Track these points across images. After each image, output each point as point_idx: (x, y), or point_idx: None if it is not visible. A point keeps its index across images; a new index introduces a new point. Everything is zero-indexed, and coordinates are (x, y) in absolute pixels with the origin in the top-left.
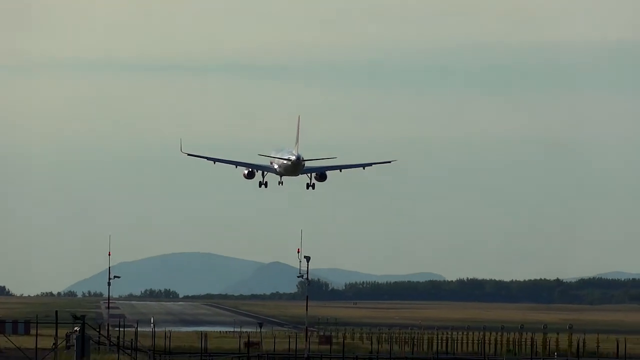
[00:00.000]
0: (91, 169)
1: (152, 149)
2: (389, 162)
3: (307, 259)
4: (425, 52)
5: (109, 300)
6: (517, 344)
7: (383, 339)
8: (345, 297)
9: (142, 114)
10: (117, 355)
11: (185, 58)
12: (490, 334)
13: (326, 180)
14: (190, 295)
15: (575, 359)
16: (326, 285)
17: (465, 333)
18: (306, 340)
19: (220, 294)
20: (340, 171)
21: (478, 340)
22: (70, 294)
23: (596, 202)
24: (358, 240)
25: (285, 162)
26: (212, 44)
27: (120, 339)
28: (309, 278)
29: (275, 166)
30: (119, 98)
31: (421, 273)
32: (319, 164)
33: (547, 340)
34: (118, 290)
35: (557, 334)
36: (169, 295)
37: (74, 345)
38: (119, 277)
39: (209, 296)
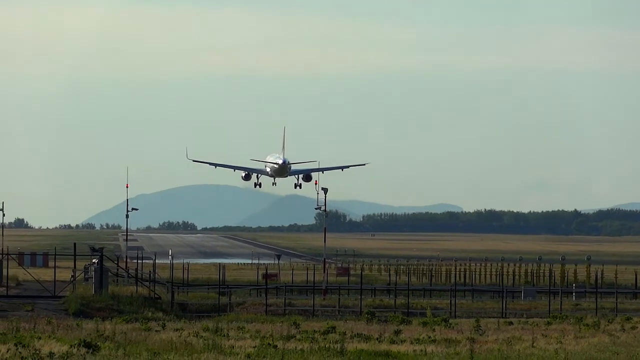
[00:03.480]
0: (110, 101)
1: (169, 83)
2: (364, 164)
3: (325, 190)
4: None
5: (127, 232)
6: (535, 275)
7: (401, 271)
8: (363, 229)
9: (165, 47)
10: (135, 287)
11: None
12: (509, 265)
13: (311, 181)
14: (208, 227)
15: (593, 290)
16: (344, 216)
17: (483, 264)
18: (324, 271)
19: (238, 226)
20: (323, 172)
21: (496, 272)
22: (89, 226)
23: (615, 133)
24: (376, 171)
25: (274, 165)
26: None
27: (139, 271)
28: (327, 210)
29: (267, 169)
30: (138, 33)
31: (439, 204)
32: (304, 167)
33: (565, 272)
34: (136, 222)
35: (575, 265)
36: (187, 227)
37: (92, 278)
38: (137, 209)
39: (227, 228)
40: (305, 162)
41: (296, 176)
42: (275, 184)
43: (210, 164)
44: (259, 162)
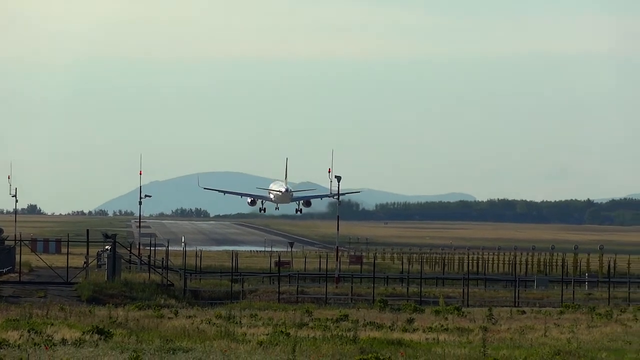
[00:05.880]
0: (124, 88)
1: (183, 69)
2: (358, 191)
3: (338, 178)
4: None
5: (140, 219)
6: (548, 264)
7: (414, 259)
8: (376, 217)
9: (178, 35)
10: (147, 274)
11: None
12: (521, 254)
13: (311, 206)
14: (221, 214)
15: (605, 280)
16: (357, 205)
17: (496, 253)
18: (337, 259)
19: (251, 213)
20: (321, 199)
21: (509, 261)
22: (102, 212)
23: (629, 123)
24: (389, 160)
25: (278, 193)
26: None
27: (151, 258)
28: (340, 198)
29: (271, 196)
30: (156, 20)
31: (452, 193)
32: (304, 194)
33: (578, 261)
34: (149, 209)
35: (588, 254)
36: (200, 214)
37: (105, 264)
38: (150, 196)
39: (239, 215)
40: (305, 190)
41: (297, 202)
42: (278, 209)
43: (220, 191)
44: (263, 189)
